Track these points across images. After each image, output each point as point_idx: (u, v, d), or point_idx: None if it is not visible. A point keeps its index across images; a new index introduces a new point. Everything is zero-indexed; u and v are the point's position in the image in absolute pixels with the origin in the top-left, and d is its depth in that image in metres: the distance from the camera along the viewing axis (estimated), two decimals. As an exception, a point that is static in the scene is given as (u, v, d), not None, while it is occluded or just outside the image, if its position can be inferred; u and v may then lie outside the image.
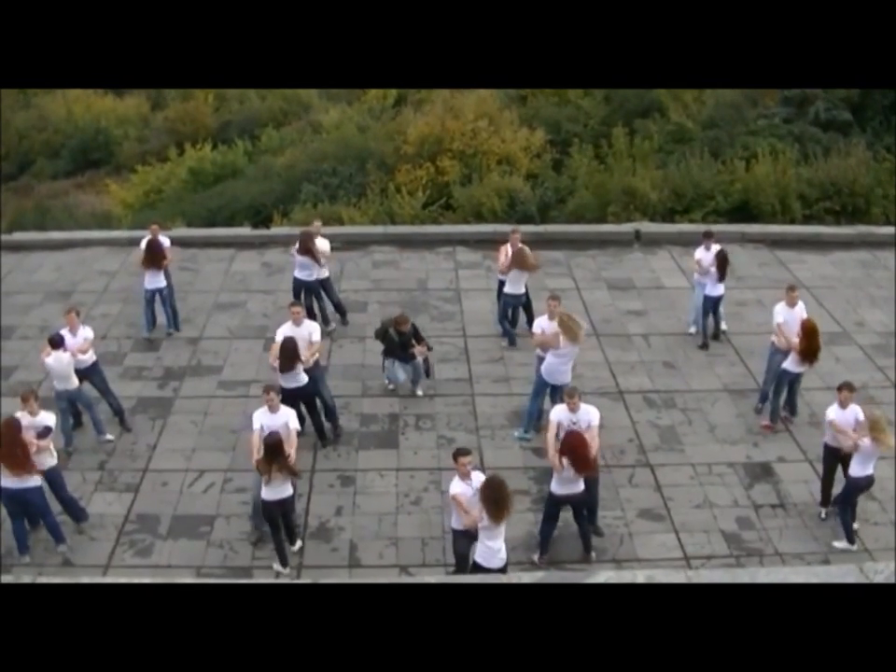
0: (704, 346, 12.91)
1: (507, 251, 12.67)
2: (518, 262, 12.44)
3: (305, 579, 8.52)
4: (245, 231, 17.92)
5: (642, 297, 14.52)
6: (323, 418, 10.86)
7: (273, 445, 8.47)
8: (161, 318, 13.30)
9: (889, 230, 17.19)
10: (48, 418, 9.17)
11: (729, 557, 9.18)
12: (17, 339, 13.29)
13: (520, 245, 12.57)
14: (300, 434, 9.36)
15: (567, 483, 8.71)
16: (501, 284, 12.95)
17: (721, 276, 12.45)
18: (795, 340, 10.54)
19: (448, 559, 8.97)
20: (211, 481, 10.31)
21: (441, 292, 14.71)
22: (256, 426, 8.95)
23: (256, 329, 13.53)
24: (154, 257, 12.86)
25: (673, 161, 20.49)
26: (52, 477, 9.27)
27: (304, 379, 10.30)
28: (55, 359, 10.27)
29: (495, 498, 7.65)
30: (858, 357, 12.78)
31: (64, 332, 10.56)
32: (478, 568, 7.92)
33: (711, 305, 12.75)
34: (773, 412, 11.12)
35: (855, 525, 9.38)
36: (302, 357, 10.15)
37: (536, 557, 9.12)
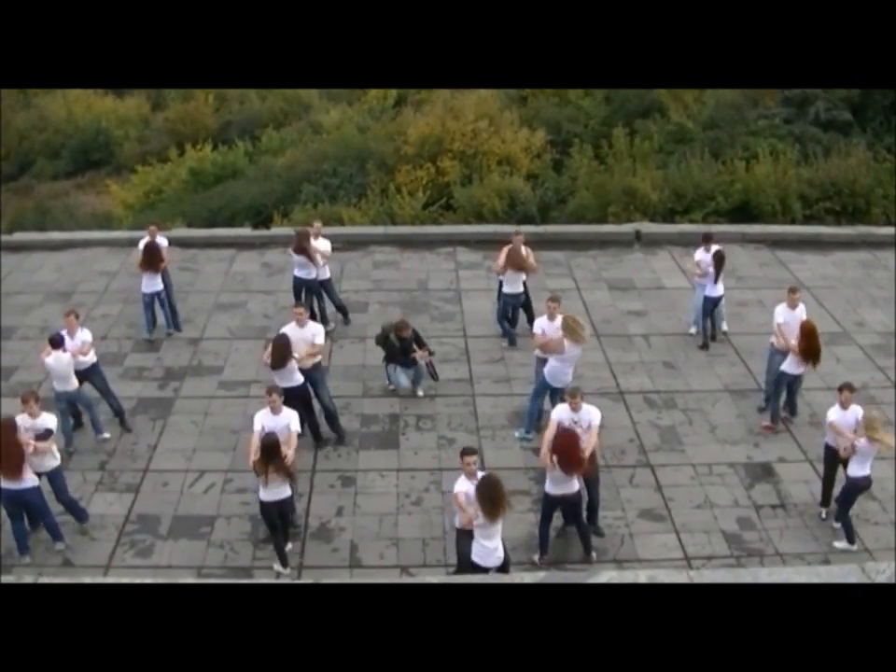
0: (704, 347, 12.91)
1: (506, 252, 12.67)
2: (513, 262, 12.46)
3: (306, 579, 8.52)
4: (245, 231, 17.91)
5: (643, 297, 14.52)
6: (323, 421, 10.86)
7: (270, 446, 8.45)
8: (162, 319, 13.31)
9: (889, 230, 17.19)
10: (49, 420, 9.15)
11: (730, 557, 9.17)
12: (17, 339, 13.29)
13: (521, 245, 12.58)
14: (300, 435, 9.35)
15: (560, 483, 8.71)
16: (502, 284, 12.96)
17: (717, 276, 12.47)
18: (793, 342, 10.54)
19: (449, 559, 8.97)
20: (211, 481, 10.31)
21: (442, 293, 14.70)
22: (257, 427, 8.92)
23: (256, 329, 13.54)
24: (152, 259, 12.84)
25: (673, 162, 20.48)
26: (54, 478, 9.27)
27: (299, 379, 10.28)
28: (55, 359, 10.27)
29: (490, 497, 7.66)
30: (858, 358, 12.78)
31: (64, 334, 10.56)
32: (474, 567, 7.93)
33: (711, 306, 12.76)
34: (773, 413, 11.13)
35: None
36: (297, 356, 10.14)
37: (536, 558, 9.12)
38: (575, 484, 8.78)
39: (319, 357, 10.81)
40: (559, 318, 10.54)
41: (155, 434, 11.15)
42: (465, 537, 8.26)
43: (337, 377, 12.10)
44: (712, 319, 12.96)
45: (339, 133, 25.79)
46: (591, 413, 9.07)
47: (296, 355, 10.13)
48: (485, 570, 7.86)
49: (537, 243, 14.58)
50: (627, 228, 17.05)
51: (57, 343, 10.29)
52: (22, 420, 8.93)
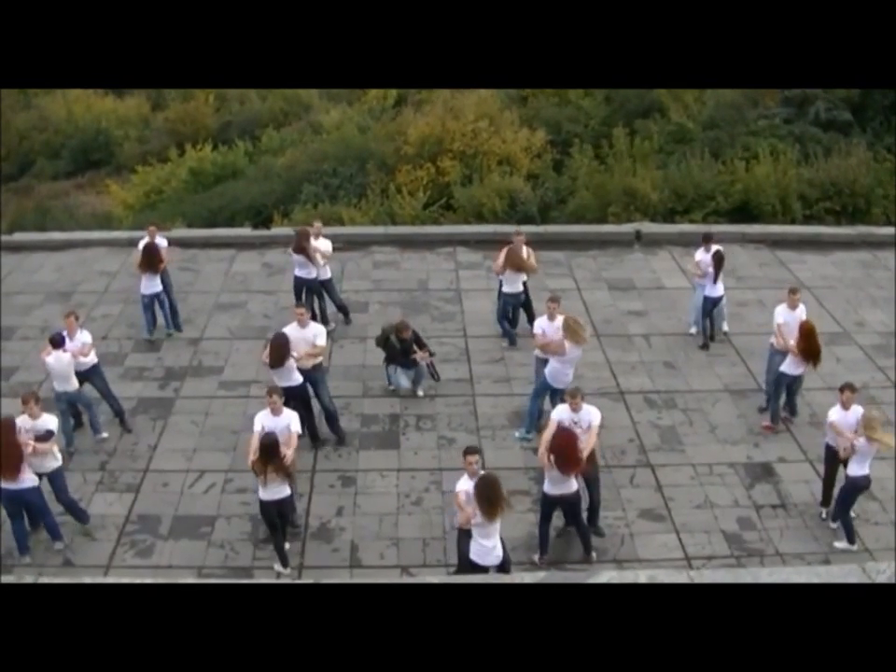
0: (704, 347, 12.92)
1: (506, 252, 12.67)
2: (511, 262, 12.46)
3: (306, 579, 8.52)
4: (245, 231, 17.91)
5: (643, 297, 14.52)
6: (323, 422, 10.85)
7: (269, 446, 8.44)
8: (162, 319, 13.31)
9: (889, 230, 17.19)
10: (49, 421, 9.13)
11: (730, 557, 9.17)
12: (17, 339, 13.29)
13: (522, 245, 12.58)
14: (300, 436, 9.34)
15: (557, 483, 8.71)
16: (502, 284, 12.96)
17: (716, 276, 12.48)
18: (792, 343, 10.53)
19: (449, 559, 8.97)
20: (212, 481, 10.31)
21: (442, 293, 14.71)
22: (257, 427, 8.92)
23: (256, 329, 13.53)
24: (151, 260, 12.83)
25: (673, 162, 20.48)
26: (54, 479, 9.27)
27: (298, 379, 10.28)
28: (55, 359, 10.27)
29: (488, 496, 7.67)
30: (858, 358, 12.78)
31: (65, 334, 10.55)
32: (473, 566, 7.94)
33: (711, 306, 12.77)
34: (773, 413, 11.13)
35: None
36: (296, 355, 10.13)
37: (536, 558, 9.12)
38: (573, 484, 8.78)
39: (320, 358, 10.81)
40: (559, 319, 10.55)
41: (155, 434, 11.15)
42: (465, 536, 8.26)
43: (337, 377, 12.10)
44: (711, 319, 12.97)
45: (339, 133, 25.79)
46: (591, 414, 9.08)
47: (294, 354, 10.12)
48: (484, 569, 7.88)
49: (537, 243, 14.56)
50: (627, 228, 17.05)
51: (57, 342, 10.29)
52: (23, 421, 8.92)
